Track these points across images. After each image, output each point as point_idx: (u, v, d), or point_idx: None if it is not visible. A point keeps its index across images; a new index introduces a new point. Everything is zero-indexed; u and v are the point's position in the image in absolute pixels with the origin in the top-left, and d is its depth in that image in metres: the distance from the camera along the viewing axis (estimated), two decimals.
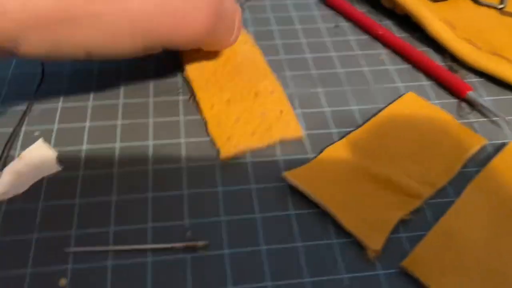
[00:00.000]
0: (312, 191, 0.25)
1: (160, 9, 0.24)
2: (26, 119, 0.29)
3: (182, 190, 0.26)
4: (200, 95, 0.31)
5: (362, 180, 0.26)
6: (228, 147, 0.28)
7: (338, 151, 0.27)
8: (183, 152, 0.27)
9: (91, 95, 0.30)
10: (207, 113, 0.30)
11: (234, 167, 0.27)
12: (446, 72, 0.32)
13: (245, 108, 0.30)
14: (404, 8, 0.36)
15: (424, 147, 0.28)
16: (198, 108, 0.30)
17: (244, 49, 0.34)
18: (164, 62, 0.33)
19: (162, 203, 0.25)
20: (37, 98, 0.30)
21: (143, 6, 0.23)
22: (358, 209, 0.25)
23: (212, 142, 0.28)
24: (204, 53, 0.33)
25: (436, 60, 0.34)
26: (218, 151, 0.27)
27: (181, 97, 0.31)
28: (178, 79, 0.32)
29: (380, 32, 0.35)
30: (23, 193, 0.25)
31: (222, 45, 0.31)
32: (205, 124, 0.29)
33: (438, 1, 0.37)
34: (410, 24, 0.36)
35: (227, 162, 0.27)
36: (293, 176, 0.26)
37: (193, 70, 0.32)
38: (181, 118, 0.29)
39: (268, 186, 0.26)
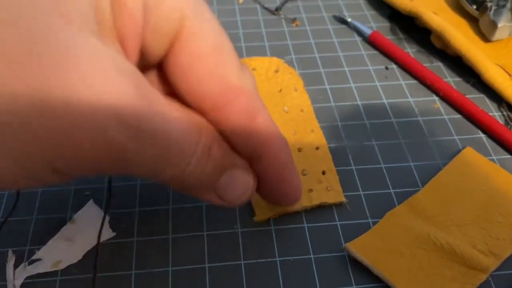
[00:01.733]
0: (376, 265, 0.24)
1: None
2: None
3: (240, 261, 0.25)
4: None
5: (425, 251, 0.25)
6: (263, 210, 0.27)
7: (399, 216, 0.26)
8: (238, 214, 0.27)
9: None
10: None
11: (288, 230, 0.26)
12: (502, 127, 0.31)
13: None
14: (456, 49, 0.34)
15: (488, 211, 0.27)
16: None
17: (293, 96, 0.32)
18: None
19: (219, 272, 0.24)
20: None
21: None
22: (423, 284, 0.24)
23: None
24: None
25: (492, 109, 0.33)
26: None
27: None
28: None
29: (428, 82, 0.34)
30: (78, 262, 0.24)
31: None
32: None
33: (491, 41, 0.36)
34: (464, 66, 0.35)
35: (280, 224, 0.26)
36: (355, 248, 0.25)
37: None
38: None
39: (328, 256, 0.25)
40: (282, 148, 0.23)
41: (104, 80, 0.16)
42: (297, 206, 0.27)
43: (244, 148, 0.22)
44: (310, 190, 0.27)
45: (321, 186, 0.28)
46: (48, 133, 0.16)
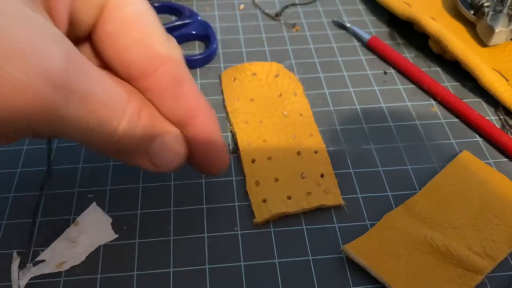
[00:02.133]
0: (374, 267, 0.24)
1: None
2: (78, 179, 0.29)
3: (240, 262, 0.25)
4: (243, 147, 0.30)
5: (422, 253, 0.25)
6: (263, 211, 0.27)
7: (396, 219, 0.27)
8: (238, 216, 0.27)
9: None
10: (247, 168, 0.29)
11: (287, 232, 0.27)
12: (499, 131, 0.31)
13: (286, 166, 0.29)
14: (453, 54, 0.35)
15: (484, 214, 0.27)
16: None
17: (292, 100, 0.33)
18: None
19: (219, 273, 0.25)
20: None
21: None
22: (419, 286, 0.24)
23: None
24: (252, 104, 0.33)
25: (488, 113, 0.33)
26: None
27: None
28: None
29: (426, 86, 0.34)
30: (81, 263, 0.25)
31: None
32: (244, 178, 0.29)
33: (488, 46, 0.36)
34: (461, 71, 0.35)
35: (279, 226, 0.27)
36: (353, 250, 0.25)
37: (238, 123, 0.32)
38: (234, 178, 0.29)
39: (326, 257, 0.26)
40: (209, 114, 0.24)
41: (32, 43, 0.17)
42: (296, 208, 0.27)
43: (173, 114, 0.23)
44: (309, 193, 0.28)
45: (319, 189, 0.28)
46: None
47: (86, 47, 0.23)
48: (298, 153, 0.30)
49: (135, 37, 0.22)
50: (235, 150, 0.30)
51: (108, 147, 0.22)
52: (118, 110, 0.21)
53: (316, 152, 0.30)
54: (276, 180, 0.29)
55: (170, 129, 0.23)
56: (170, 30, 0.37)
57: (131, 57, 0.22)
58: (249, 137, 0.31)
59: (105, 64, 0.23)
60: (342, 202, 0.28)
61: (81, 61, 0.19)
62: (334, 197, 0.28)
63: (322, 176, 0.29)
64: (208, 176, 0.29)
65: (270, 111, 0.32)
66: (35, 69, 0.17)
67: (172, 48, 0.23)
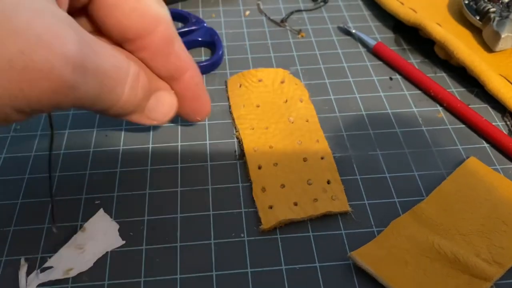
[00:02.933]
0: (381, 274, 0.24)
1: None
2: (86, 186, 0.29)
3: (247, 269, 0.25)
4: (249, 153, 0.30)
5: (430, 260, 0.25)
6: (269, 218, 0.27)
7: (404, 225, 0.27)
8: (244, 222, 0.27)
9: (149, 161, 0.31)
10: (253, 174, 0.29)
11: (294, 239, 0.27)
12: (506, 137, 0.31)
13: (292, 172, 0.29)
14: (459, 60, 0.35)
15: (492, 220, 0.27)
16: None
17: (298, 106, 0.33)
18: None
19: (226, 280, 0.25)
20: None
21: None
22: None
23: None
24: (258, 110, 0.33)
25: (495, 118, 0.33)
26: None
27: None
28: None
29: (432, 92, 0.34)
30: (89, 269, 0.25)
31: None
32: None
33: (494, 52, 0.36)
34: (467, 76, 0.35)
35: (286, 233, 0.27)
36: (360, 257, 0.25)
37: (244, 129, 0.32)
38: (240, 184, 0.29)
39: (333, 264, 0.26)
40: (196, 69, 0.28)
41: (51, 32, 0.19)
42: (303, 215, 0.27)
43: (165, 71, 0.26)
44: (316, 200, 0.28)
45: (326, 195, 0.28)
46: (11, 80, 0.19)
47: (82, 18, 0.26)
48: (305, 159, 0.30)
49: (131, 5, 0.24)
50: (241, 156, 0.31)
51: (113, 110, 0.24)
52: (122, 77, 0.23)
53: (322, 158, 0.30)
54: (283, 186, 0.29)
55: (162, 85, 0.27)
56: None
57: (129, 24, 0.24)
58: (255, 143, 0.31)
59: (97, 29, 0.25)
60: (349, 209, 0.28)
61: (89, 39, 0.21)
62: (341, 204, 0.28)
63: (328, 182, 0.29)
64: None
65: (276, 117, 0.32)
66: (56, 55, 0.19)
67: (163, 9, 0.25)
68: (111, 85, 0.23)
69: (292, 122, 0.32)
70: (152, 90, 0.26)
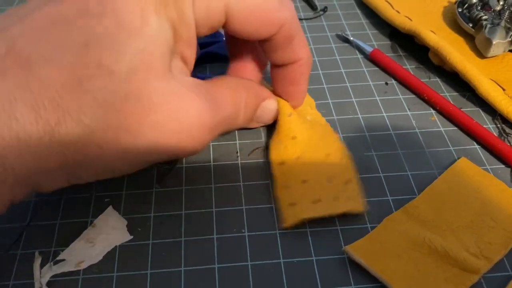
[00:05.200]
0: (374, 267, 0.26)
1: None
2: (96, 184, 0.30)
3: (247, 262, 0.27)
4: (272, 147, 0.31)
5: (421, 254, 0.27)
6: (291, 216, 0.28)
7: (396, 221, 0.28)
8: (245, 218, 0.29)
9: None
10: (277, 169, 0.30)
11: (292, 234, 0.28)
12: (496, 139, 0.32)
13: (314, 166, 0.30)
14: (452, 65, 0.36)
15: (481, 217, 0.28)
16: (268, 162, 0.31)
17: (309, 112, 0.34)
18: None
19: (227, 272, 0.26)
20: None
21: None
22: (418, 285, 0.26)
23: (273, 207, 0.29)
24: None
25: (486, 121, 0.34)
26: (279, 217, 0.28)
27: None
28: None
29: (426, 96, 0.36)
30: (99, 262, 0.26)
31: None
32: (272, 179, 0.30)
33: (486, 57, 0.38)
34: (460, 81, 0.37)
35: (285, 229, 0.28)
36: (354, 251, 0.26)
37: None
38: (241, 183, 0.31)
39: (329, 258, 0.27)
40: (306, 61, 0.30)
41: (190, 107, 0.24)
42: (323, 213, 0.28)
43: (278, 60, 0.30)
44: (336, 198, 0.29)
45: (345, 195, 0.29)
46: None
47: None
48: (327, 154, 0.31)
49: (261, 20, 0.27)
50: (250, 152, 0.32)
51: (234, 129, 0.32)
52: (238, 113, 0.29)
53: (341, 159, 0.31)
54: (305, 181, 0.29)
55: (266, 94, 0.31)
56: None
57: (258, 35, 0.28)
58: (276, 135, 0.32)
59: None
60: (364, 209, 0.28)
61: (212, 97, 0.26)
62: (358, 204, 0.28)
63: (348, 182, 0.29)
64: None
65: (295, 113, 0.33)
66: (197, 125, 0.25)
67: (286, 10, 0.27)
68: (231, 123, 0.29)
69: (310, 120, 0.33)
70: (259, 102, 0.31)
